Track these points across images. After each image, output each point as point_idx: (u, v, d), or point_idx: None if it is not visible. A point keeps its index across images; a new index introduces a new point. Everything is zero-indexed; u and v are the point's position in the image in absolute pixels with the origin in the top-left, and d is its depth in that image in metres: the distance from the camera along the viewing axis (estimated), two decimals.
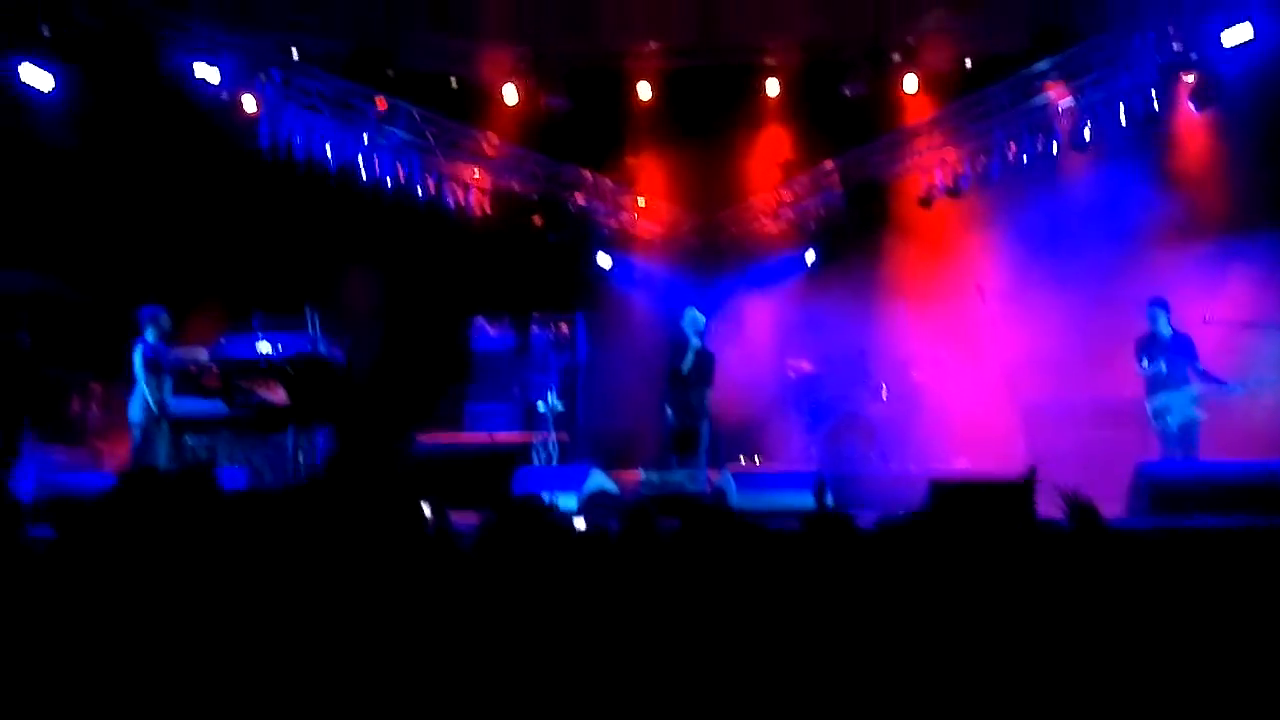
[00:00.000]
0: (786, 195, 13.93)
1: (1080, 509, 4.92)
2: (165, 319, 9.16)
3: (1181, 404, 8.74)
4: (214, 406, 9.11)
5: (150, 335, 9.05)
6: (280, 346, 9.52)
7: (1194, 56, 10.27)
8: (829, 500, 7.80)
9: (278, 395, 8.44)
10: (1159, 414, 8.85)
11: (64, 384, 10.46)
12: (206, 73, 10.82)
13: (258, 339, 9.69)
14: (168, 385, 9.06)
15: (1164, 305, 8.94)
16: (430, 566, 4.20)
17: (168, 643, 3.04)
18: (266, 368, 8.61)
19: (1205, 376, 8.74)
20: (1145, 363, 8.95)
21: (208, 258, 11.46)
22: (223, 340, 9.47)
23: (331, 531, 4.63)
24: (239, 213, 11.85)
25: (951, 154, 12.38)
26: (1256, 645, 3.17)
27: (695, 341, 9.56)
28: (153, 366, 8.96)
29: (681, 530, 4.86)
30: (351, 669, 3.10)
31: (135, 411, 8.96)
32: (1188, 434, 8.70)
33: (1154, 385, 8.91)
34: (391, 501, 5.27)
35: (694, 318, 9.66)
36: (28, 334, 9.87)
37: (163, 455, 8.87)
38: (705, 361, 9.56)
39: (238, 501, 5.62)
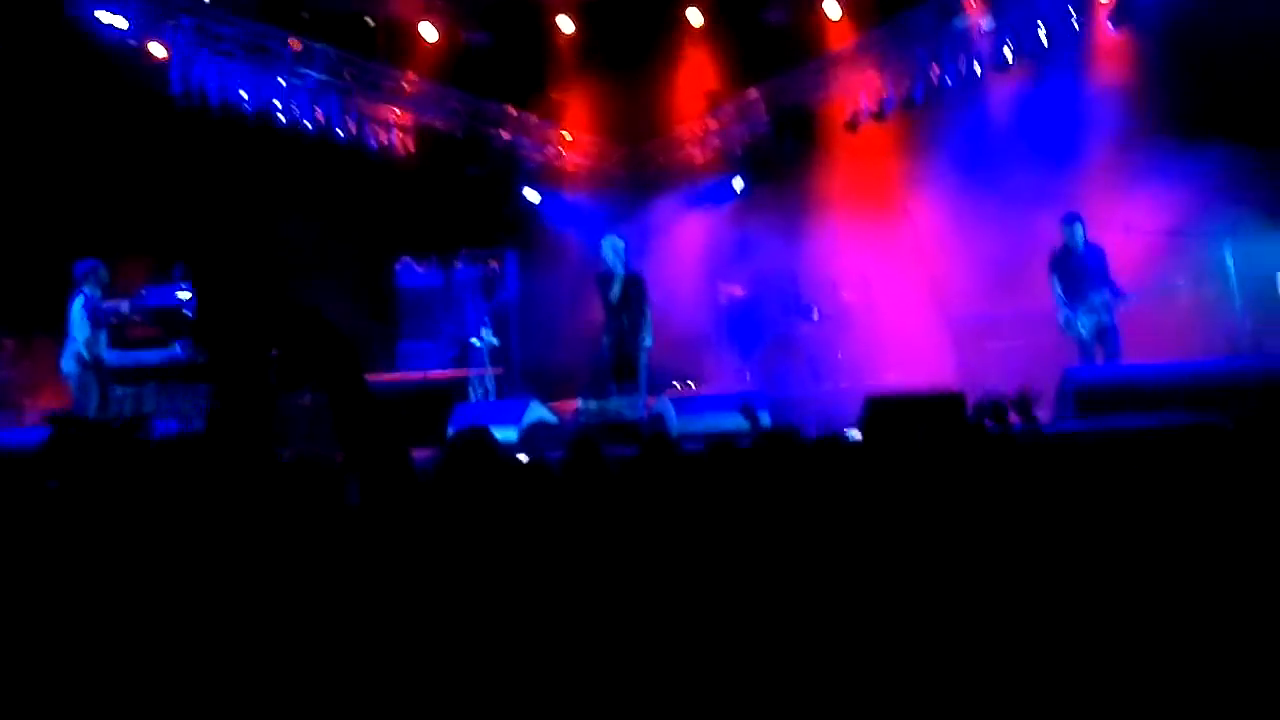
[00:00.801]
0: (712, 124, 13.90)
1: (1020, 403, 5.06)
2: (104, 272, 9.08)
3: (1088, 313, 8.97)
4: (142, 357, 8.98)
5: (89, 288, 8.93)
6: None
7: None
8: (762, 420, 7.90)
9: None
10: (1067, 324, 9.09)
11: None
12: (113, 20, 10.47)
13: (180, 288, 9.52)
14: (103, 338, 8.95)
15: (1078, 219, 9.14)
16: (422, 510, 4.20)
17: (112, 591, 3.02)
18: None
19: (1111, 288, 8.95)
20: (1052, 280, 9.17)
21: (125, 209, 11.16)
22: (144, 291, 9.31)
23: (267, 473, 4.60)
24: (154, 161, 11.54)
25: (875, 78, 12.41)
26: (1189, 541, 3.29)
27: (619, 269, 9.50)
28: (92, 319, 8.85)
29: (637, 457, 4.92)
30: (299, 614, 3.09)
31: (69, 364, 8.85)
32: (1105, 339, 8.93)
33: (1062, 299, 9.13)
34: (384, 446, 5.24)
35: (614, 244, 9.56)
36: None
37: (94, 407, 8.77)
38: (634, 286, 9.50)
39: (168, 448, 5.57)
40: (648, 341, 9.41)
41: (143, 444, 5.22)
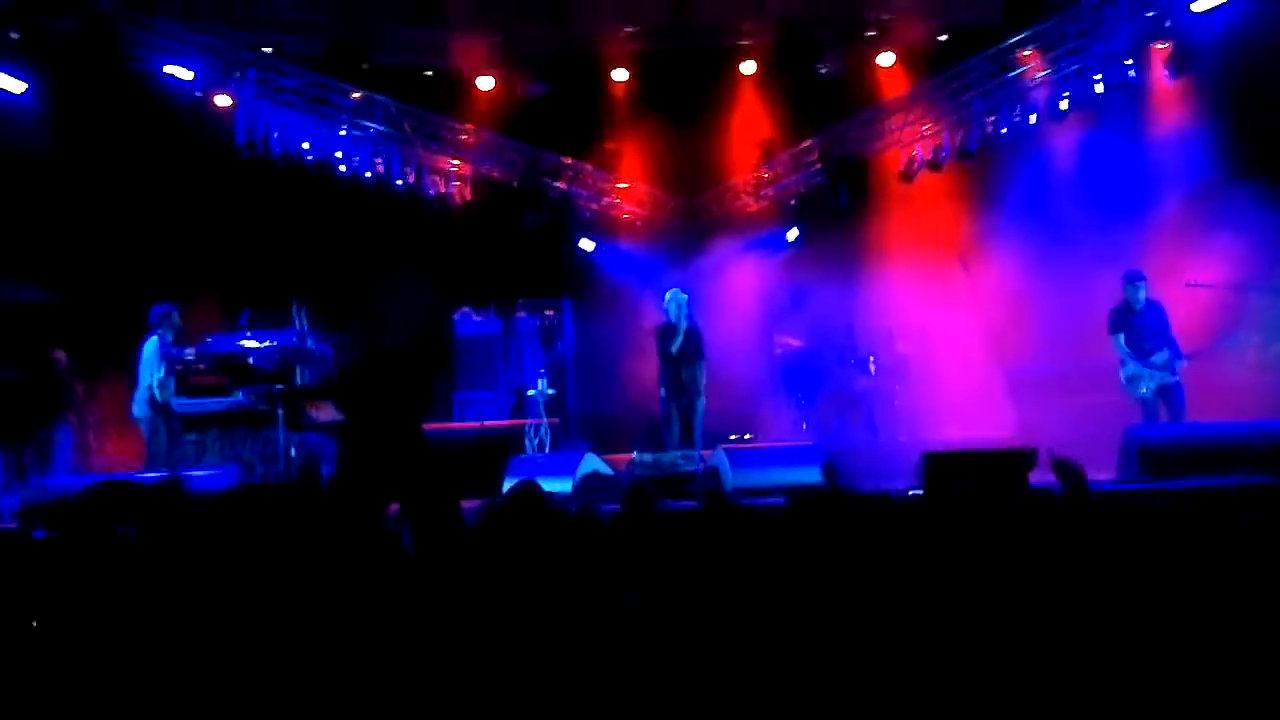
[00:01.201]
0: (767, 174, 13.95)
1: (1070, 472, 4.98)
2: (177, 316, 9.27)
3: (1150, 372, 8.82)
4: (206, 404, 9.14)
5: (163, 331, 9.12)
6: (267, 343, 9.53)
7: (1167, 24, 10.32)
8: (832, 477, 7.85)
9: (325, 414, 8.46)
10: (1130, 382, 8.94)
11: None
12: (180, 72, 10.77)
13: (244, 336, 9.69)
14: (172, 383, 9.11)
15: (1140, 278, 9.01)
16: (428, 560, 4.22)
17: (148, 642, 3.06)
18: (318, 389, 8.67)
19: (1172, 347, 8.79)
20: (1115, 338, 9.03)
21: (190, 256, 11.42)
22: (209, 339, 9.48)
23: (332, 529, 4.65)
24: (219, 210, 11.82)
25: (930, 127, 12.41)
26: (1255, 605, 3.21)
27: (682, 322, 9.60)
28: (165, 363, 9.03)
29: (695, 512, 4.90)
30: (349, 665, 3.11)
31: (141, 408, 9.00)
32: (1168, 398, 8.78)
33: (1124, 356, 8.99)
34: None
35: (677, 298, 9.69)
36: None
37: (163, 451, 8.94)
38: (694, 339, 9.60)
39: (217, 504, 5.64)
40: (703, 395, 9.51)
41: (181, 500, 5.28)
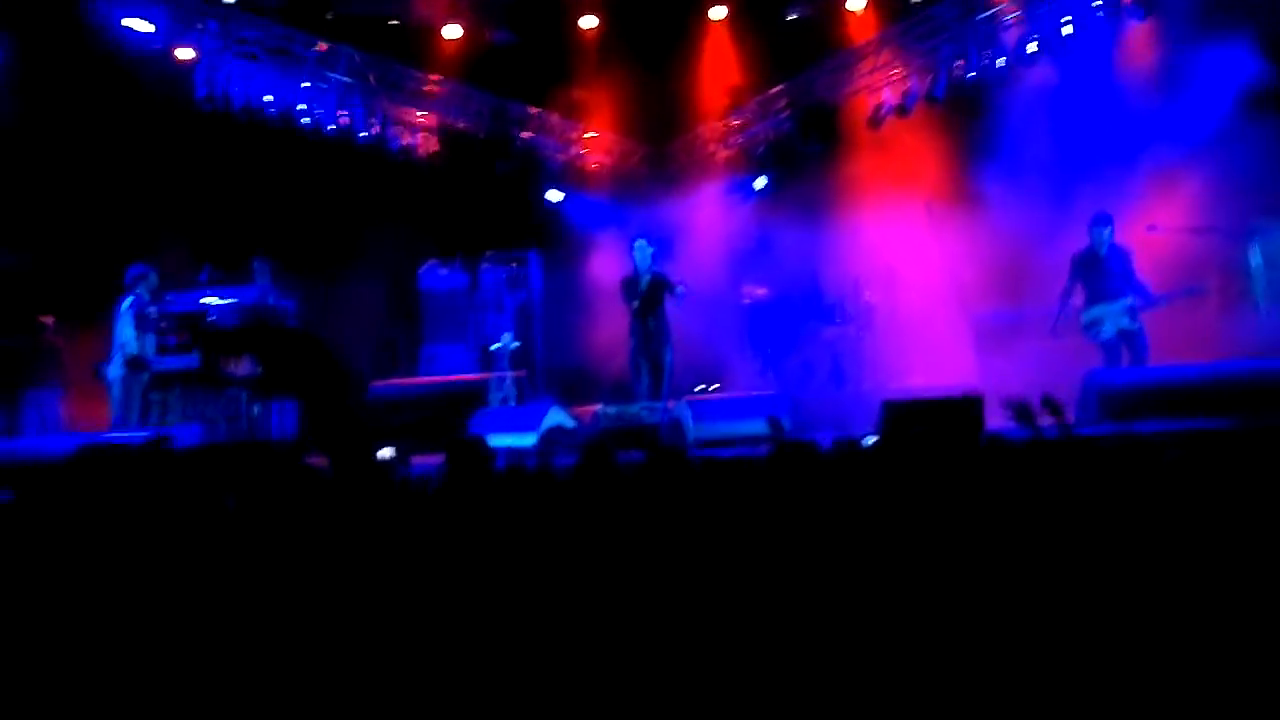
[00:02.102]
0: (735, 122, 13.85)
1: (1025, 414, 4.99)
2: (154, 277, 9.23)
3: (1114, 315, 8.78)
4: (168, 362, 9.10)
5: (142, 292, 9.10)
6: (228, 300, 9.46)
7: None
8: (785, 426, 7.86)
9: (244, 367, 8.45)
10: (1090, 326, 8.89)
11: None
12: (140, 25, 10.56)
13: (205, 293, 9.61)
14: (150, 342, 9.07)
15: (1107, 221, 8.93)
16: (398, 515, 4.23)
17: (132, 610, 3.05)
18: (234, 339, 8.65)
19: (1139, 291, 8.76)
20: (1072, 282, 8.99)
21: (153, 213, 11.28)
22: (169, 296, 9.40)
23: (300, 485, 4.64)
24: (180, 166, 11.66)
25: (898, 72, 12.32)
26: (1218, 546, 3.23)
27: (646, 274, 9.56)
28: (141, 323, 9.01)
29: (643, 464, 4.90)
30: (324, 624, 3.11)
31: (115, 368, 8.99)
32: (1130, 342, 8.75)
33: (1087, 299, 8.94)
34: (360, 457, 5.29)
35: (642, 248, 9.63)
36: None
37: (135, 410, 8.94)
38: (659, 289, 9.54)
39: (191, 459, 5.62)
40: (670, 345, 9.49)
41: (168, 458, 5.27)
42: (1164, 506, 3.59)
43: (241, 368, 8.23)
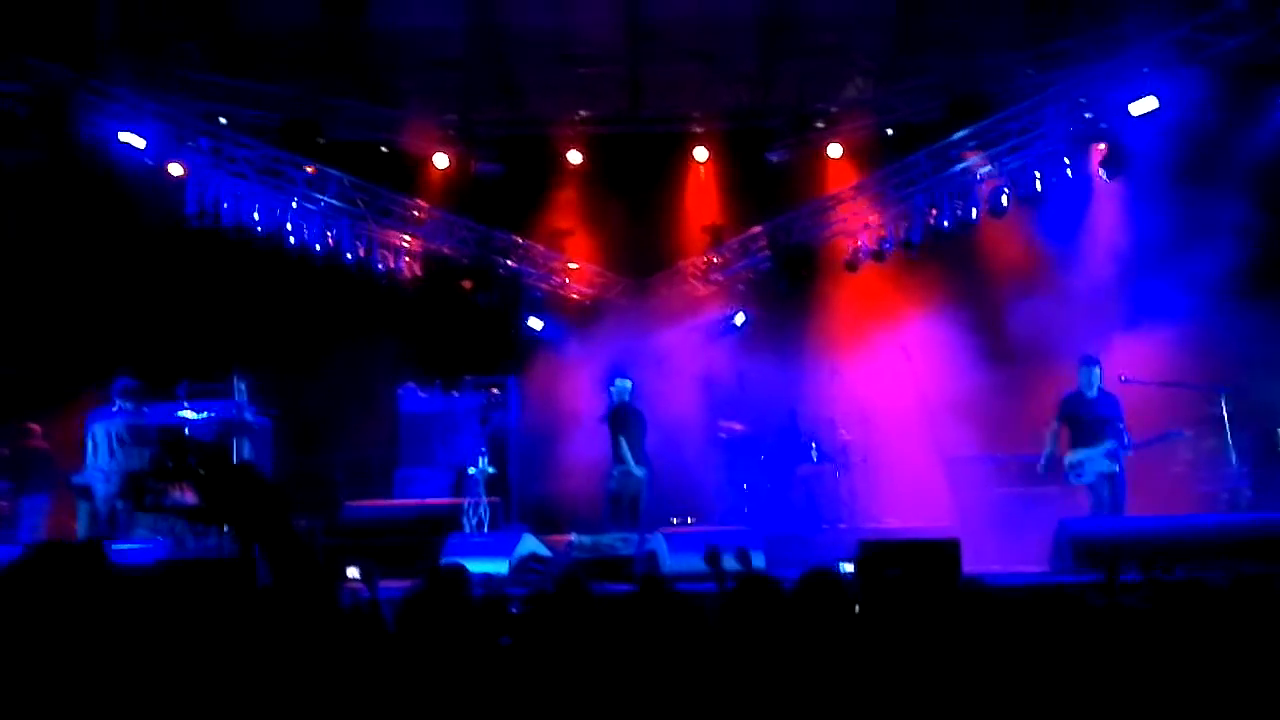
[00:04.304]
0: (716, 259, 14.11)
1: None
2: (135, 388, 9.38)
3: (1096, 459, 8.90)
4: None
5: (130, 405, 9.24)
6: (206, 413, 9.45)
7: (1103, 125, 10.67)
8: (753, 563, 7.81)
9: (190, 497, 8.42)
10: (1072, 468, 9.02)
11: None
12: (133, 140, 10.73)
13: (182, 406, 9.59)
14: (144, 456, 9.15)
15: (1095, 363, 9.14)
16: (348, 643, 4.16)
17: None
18: (176, 471, 8.65)
19: (1123, 437, 8.90)
20: (1056, 425, 9.14)
21: (133, 327, 11.32)
22: (144, 409, 9.38)
23: (246, 607, 4.57)
24: (168, 280, 11.75)
25: (875, 219, 12.68)
26: (1185, 699, 3.25)
27: (625, 408, 9.98)
28: (138, 436, 9.12)
29: (629, 597, 4.87)
30: None
31: (98, 482, 9.03)
32: (1107, 488, 8.85)
33: (1072, 441, 9.08)
34: (305, 582, 5.21)
35: (621, 385, 10.23)
36: None
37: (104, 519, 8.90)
38: (638, 423, 9.84)
39: (140, 575, 5.52)
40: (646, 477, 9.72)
41: (104, 564, 5.18)
42: (1131, 655, 3.62)
43: (184, 494, 8.20)
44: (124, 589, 4.68)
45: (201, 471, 7.81)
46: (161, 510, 8.50)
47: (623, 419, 10.21)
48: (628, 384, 10.38)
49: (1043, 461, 9.16)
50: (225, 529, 8.41)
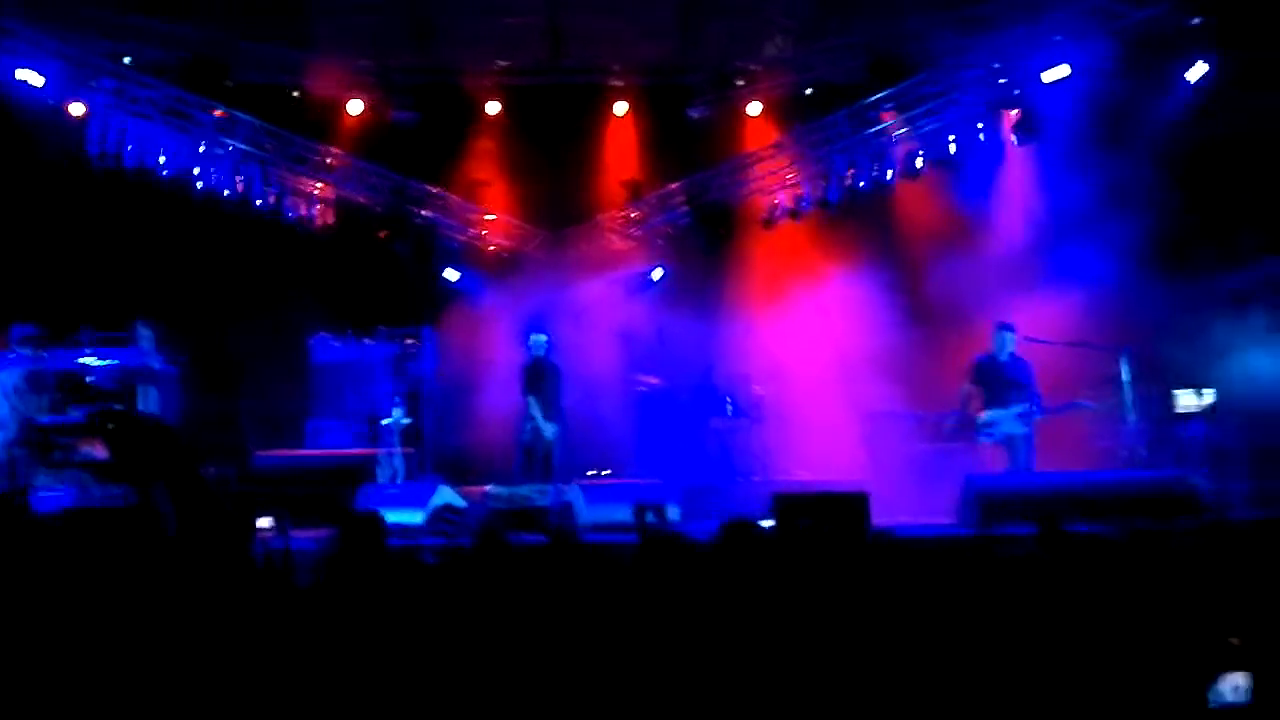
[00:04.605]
0: (634, 213, 14.09)
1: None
2: (38, 336, 9.16)
3: (1007, 420, 9.17)
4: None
5: (28, 352, 8.98)
6: (109, 361, 9.22)
7: (1016, 92, 10.86)
8: (658, 517, 7.94)
9: (99, 451, 8.25)
10: (984, 427, 9.27)
11: None
12: (31, 77, 10.28)
13: (83, 353, 9.33)
14: (43, 402, 8.97)
15: (1009, 328, 9.39)
16: (260, 595, 4.13)
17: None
18: (85, 426, 8.47)
19: (1035, 400, 9.16)
20: (967, 387, 9.38)
21: (34, 272, 10.93)
22: (44, 355, 9.11)
23: (152, 556, 4.51)
24: (66, 223, 11.35)
25: (793, 177, 12.75)
26: (1070, 645, 3.38)
27: (540, 360, 10.11)
28: (36, 384, 8.89)
29: (543, 548, 4.90)
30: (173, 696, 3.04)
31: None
32: (1015, 448, 9.14)
33: (985, 402, 9.33)
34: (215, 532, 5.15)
35: (537, 338, 10.35)
36: None
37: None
38: (552, 377, 9.86)
39: (54, 524, 5.42)
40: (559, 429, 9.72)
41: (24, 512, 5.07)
42: (1021, 601, 3.77)
43: (94, 449, 8.05)
44: (34, 536, 4.60)
45: (110, 426, 7.69)
46: (70, 465, 8.33)
47: (537, 374, 10.27)
48: (543, 339, 10.45)
49: (952, 421, 9.41)
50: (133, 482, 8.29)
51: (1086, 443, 9.70)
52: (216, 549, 5.15)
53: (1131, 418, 9.27)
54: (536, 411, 10.06)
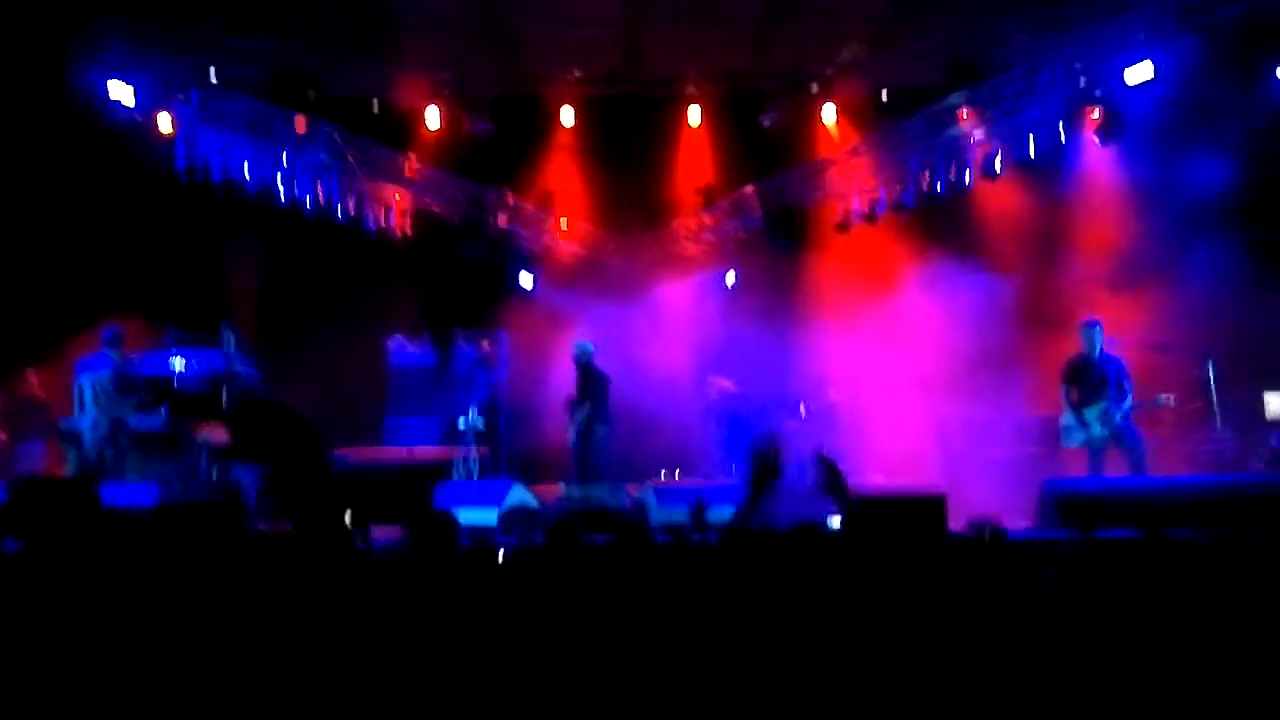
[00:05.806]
0: (707, 219, 14.10)
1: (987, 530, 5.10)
2: (123, 336, 9.54)
3: (1092, 420, 9.01)
4: (138, 422, 9.14)
5: (117, 353, 9.34)
6: (194, 363, 9.48)
7: (1098, 92, 10.65)
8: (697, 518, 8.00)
9: (217, 435, 8.52)
10: (1064, 432, 9.12)
11: None
12: (120, 92, 10.59)
13: (171, 355, 9.60)
14: (130, 404, 9.29)
15: (1097, 325, 9.27)
16: (357, 581, 4.20)
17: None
18: (210, 408, 8.81)
19: (1119, 399, 8.98)
20: (1065, 388, 9.22)
21: (122, 277, 11.27)
22: (134, 358, 9.40)
23: (251, 549, 4.61)
24: (154, 232, 11.69)
25: (868, 181, 12.65)
26: (1152, 647, 3.31)
27: (584, 365, 10.65)
28: (124, 385, 9.22)
29: (610, 545, 4.92)
30: (275, 682, 3.09)
31: (86, 429, 9.13)
32: (1123, 444, 8.97)
33: (1079, 401, 9.17)
34: (324, 522, 5.27)
35: (583, 349, 10.85)
36: None
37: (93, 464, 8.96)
38: (598, 382, 10.44)
39: (143, 518, 5.58)
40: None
41: (96, 500, 5.21)
42: (1108, 607, 3.69)
43: (213, 433, 8.28)
44: (119, 529, 4.72)
45: (232, 412, 7.93)
46: (191, 445, 8.62)
47: (583, 381, 10.71)
48: (589, 347, 10.85)
49: (1064, 422, 9.26)
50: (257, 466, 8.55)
51: (1172, 447, 9.48)
52: (331, 537, 5.30)
53: (1217, 422, 9.05)
54: (582, 418, 10.52)
